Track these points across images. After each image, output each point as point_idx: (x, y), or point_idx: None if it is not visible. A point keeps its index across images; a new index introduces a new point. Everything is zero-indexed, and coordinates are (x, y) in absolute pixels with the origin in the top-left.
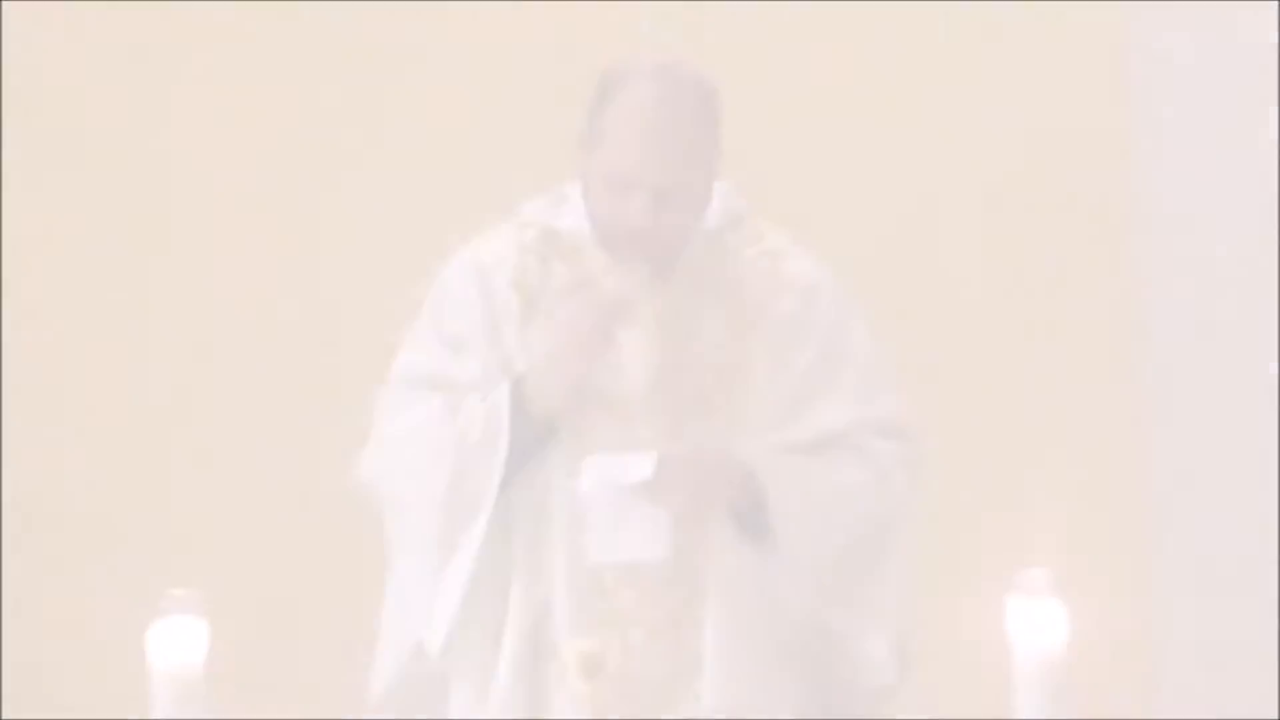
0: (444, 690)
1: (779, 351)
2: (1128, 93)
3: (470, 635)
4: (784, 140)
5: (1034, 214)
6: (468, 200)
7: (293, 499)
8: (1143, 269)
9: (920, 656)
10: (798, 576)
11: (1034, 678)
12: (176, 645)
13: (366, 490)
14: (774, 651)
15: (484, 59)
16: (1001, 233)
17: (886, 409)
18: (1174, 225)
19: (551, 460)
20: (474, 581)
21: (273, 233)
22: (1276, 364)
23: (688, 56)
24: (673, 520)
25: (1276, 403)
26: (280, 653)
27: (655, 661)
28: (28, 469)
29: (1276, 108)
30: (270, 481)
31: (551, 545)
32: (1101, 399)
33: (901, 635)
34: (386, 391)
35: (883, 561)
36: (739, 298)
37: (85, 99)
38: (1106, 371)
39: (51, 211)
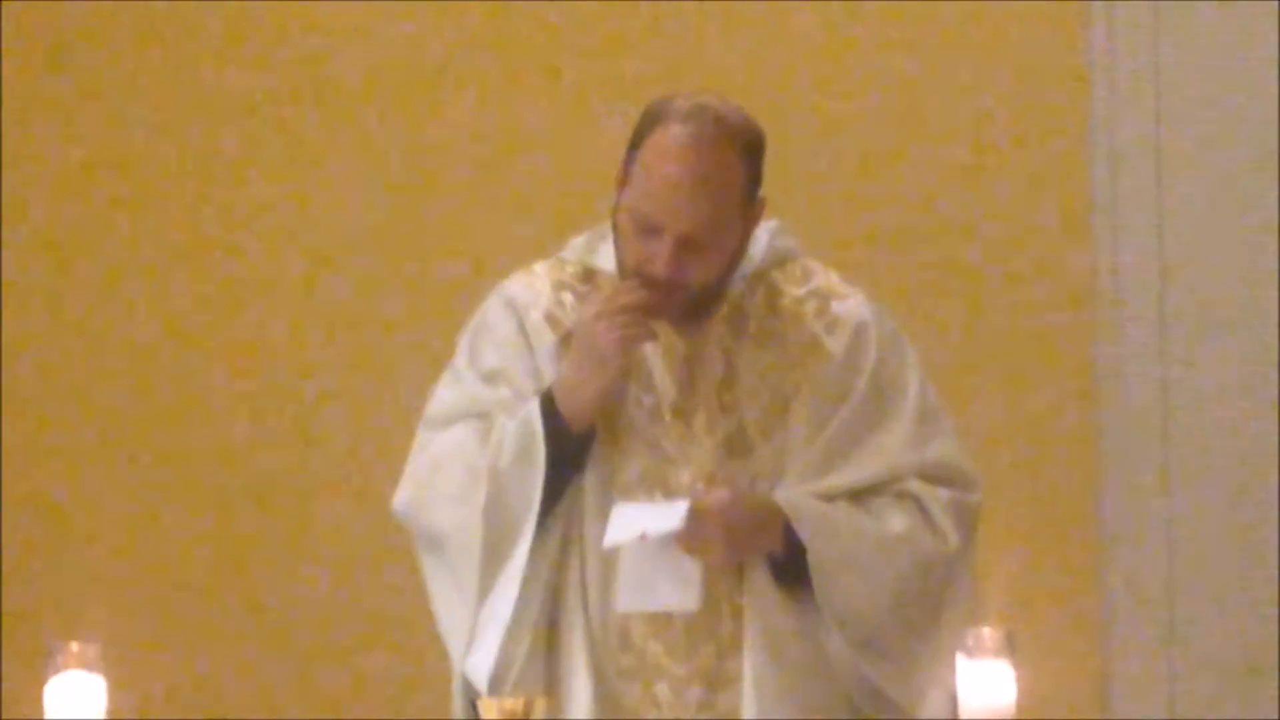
0: None
1: (825, 393)
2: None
3: (518, 665)
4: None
5: (993, 265)
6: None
7: (194, 552)
8: (1103, 327)
9: None
10: (840, 630)
11: None
12: (74, 701)
13: (403, 523)
14: (818, 708)
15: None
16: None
17: (939, 453)
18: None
19: (581, 503)
20: (520, 609)
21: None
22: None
23: (732, 92)
24: (704, 569)
25: (1267, 448)
26: (180, 710)
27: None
28: None
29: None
30: (170, 534)
31: (571, 593)
32: (1054, 451)
33: (953, 692)
34: (422, 430)
35: (936, 617)
36: (785, 338)
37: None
38: (1060, 423)
39: None
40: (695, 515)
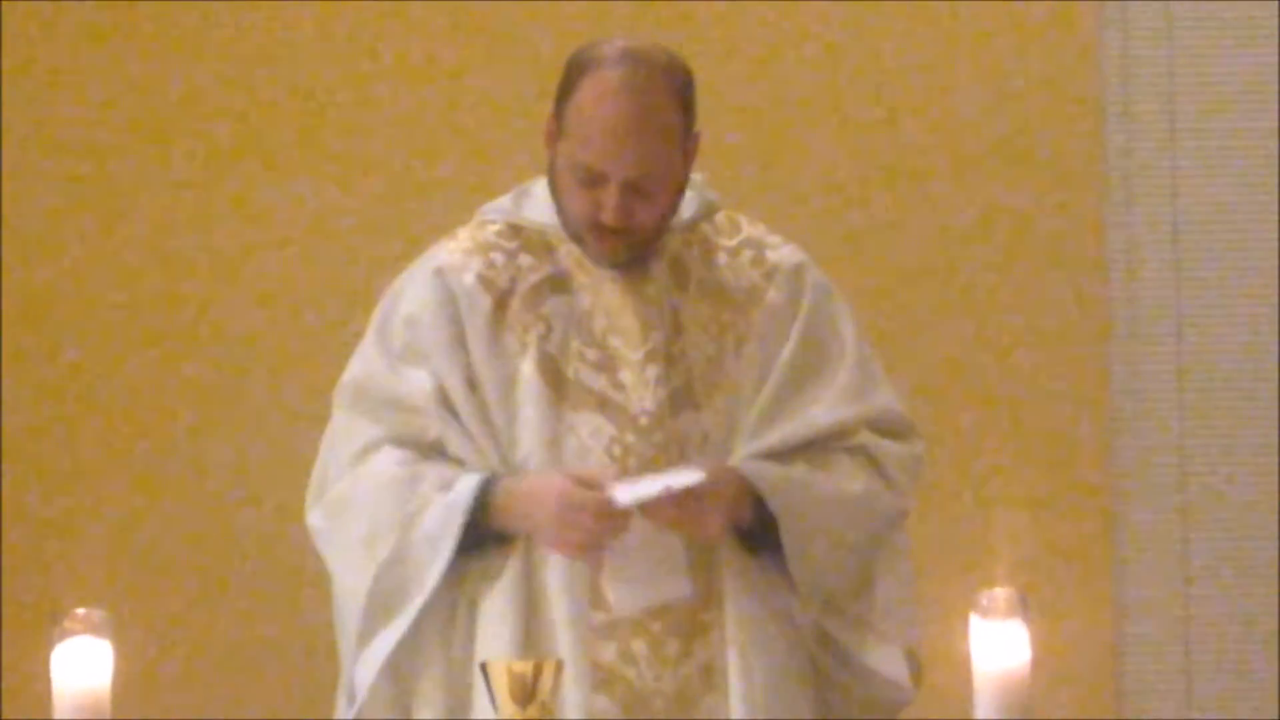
0: None
1: (769, 340)
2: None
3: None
4: (743, 116)
5: (1007, 233)
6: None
7: (200, 520)
8: (1116, 284)
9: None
10: (807, 593)
11: (994, 699)
12: (81, 667)
13: (314, 538)
14: (791, 670)
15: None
16: (967, 231)
17: (883, 403)
18: (1151, 232)
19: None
20: (391, 667)
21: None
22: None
23: (657, 36)
24: (689, 554)
25: (1267, 413)
26: (185, 675)
27: (666, 675)
28: None
29: None
30: (179, 502)
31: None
32: (1068, 412)
33: (913, 643)
34: (336, 405)
35: (890, 570)
36: (725, 288)
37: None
38: (1073, 384)
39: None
40: (693, 492)
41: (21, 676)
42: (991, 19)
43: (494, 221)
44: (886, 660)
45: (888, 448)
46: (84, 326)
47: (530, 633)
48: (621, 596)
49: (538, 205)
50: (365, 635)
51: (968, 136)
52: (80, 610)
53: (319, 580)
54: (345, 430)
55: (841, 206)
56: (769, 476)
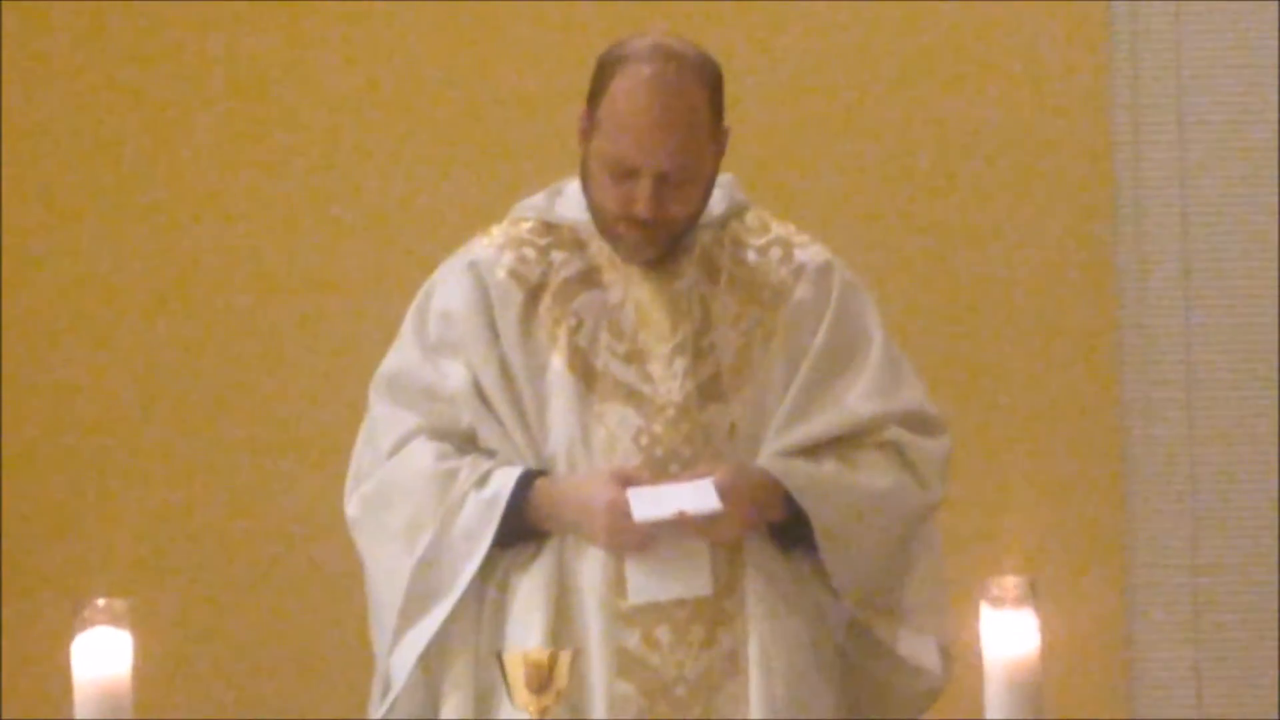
0: None
1: (796, 336)
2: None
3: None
4: (758, 118)
5: (1016, 202)
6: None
7: (221, 512)
8: (1126, 272)
9: None
10: (844, 588)
11: (1004, 686)
12: (101, 656)
13: (350, 529)
14: (814, 666)
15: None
16: (979, 223)
17: (911, 400)
18: (1160, 229)
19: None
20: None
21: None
22: (1276, 365)
23: (687, 33)
24: (712, 550)
25: (1275, 404)
26: (206, 666)
27: (689, 662)
28: None
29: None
30: (200, 494)
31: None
32: (1080, 401)
33: (945, 634)
34: (372, 397)
35: (921, 562)
36: (754, 284)
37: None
38: (1084, 373)
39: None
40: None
41: (42, 666)
42: (999, 17)
43: (527, 219)
44: (919, 650)
45: (918, 443)
46: (108, 314)
47: (560, 619)
48: (640, 586)
49: (570, 203)
50: (401, 628)
51: (976, 134)
52: (101, 600)
53: (339, 575)
54: (382, 421)
55: (850, 206)
56: (798, 475)
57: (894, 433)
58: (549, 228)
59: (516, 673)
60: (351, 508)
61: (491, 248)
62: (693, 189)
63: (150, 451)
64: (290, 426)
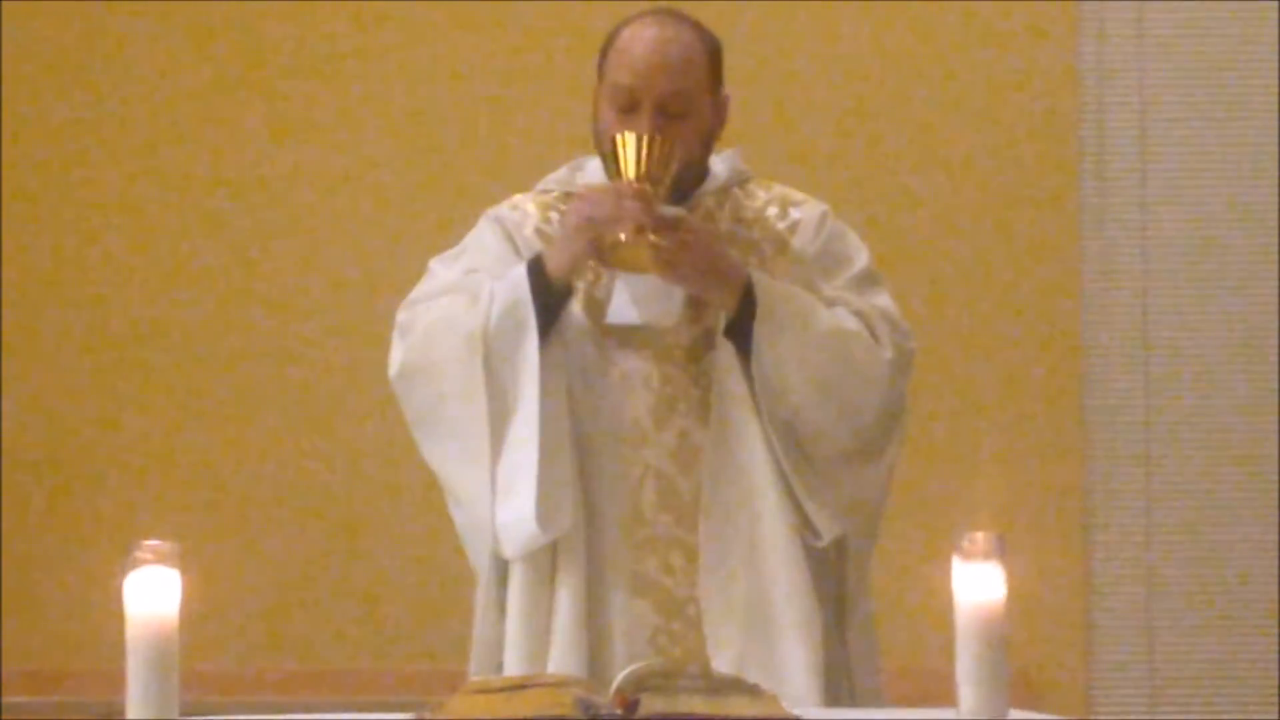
0: None
1: (792, 280)
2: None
3: (564, 494)
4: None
5: (986, 184)
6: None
7: (266, 457)
8: (1089, 243)
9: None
10: (764, 399)
11: (974, 631)
12: (151, 595)
13: (400, 393)
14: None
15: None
16: (950, 204)
17: (883, 304)
18: (1126, 193)
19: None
20: (546, 449)
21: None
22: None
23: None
24: (684, 297)
25: (1230, 366)
26: (252, 605)
27: (699, 585)
28: (19, 422)
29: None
30: (246, 440)
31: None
32: (1043, 375)
33: (844, 530)
34: (401, 311)
35: (865, 441)
36: (754, 240)
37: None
38: (1048, 349)
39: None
40: (678, 218)
41: (99, 600)
42: (969, 24)
43: (550, 190)
44: (816, 512)
45: (882, 326)
46: (153, 271)
47: (590, 546)
48: (617, 309)
49: (590, 176)
50: (497, 438)
51: (945, 139)
52: (151, 541)
53: (382, 517)
54: (412, 318)
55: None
56: (766, 280)
57: (863, 307)
58: (570, 197)
59: (628, 152)
60: (395, 372)
61: (517, 210)
62: (690, 128)
63: (200, 403)
64: (342, 371)
